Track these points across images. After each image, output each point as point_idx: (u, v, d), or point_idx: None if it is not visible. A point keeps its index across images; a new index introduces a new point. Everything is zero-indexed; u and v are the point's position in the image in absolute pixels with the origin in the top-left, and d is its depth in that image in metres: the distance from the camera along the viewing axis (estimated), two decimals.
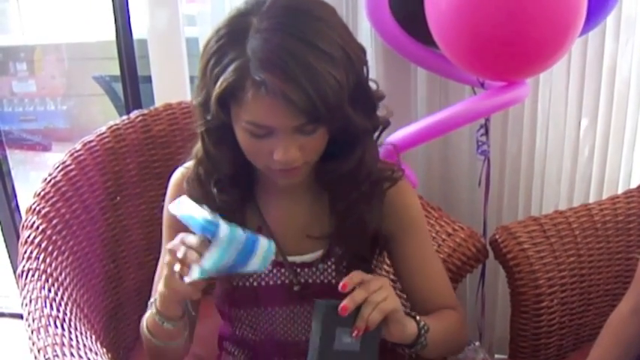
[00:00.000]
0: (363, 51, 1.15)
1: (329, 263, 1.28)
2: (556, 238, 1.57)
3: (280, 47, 1.04)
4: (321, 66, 1.04)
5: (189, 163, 1.29)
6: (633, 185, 1.81)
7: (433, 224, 1.59)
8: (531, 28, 1.43)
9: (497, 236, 1.57)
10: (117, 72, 2.38)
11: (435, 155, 2.04)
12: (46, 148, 4.27)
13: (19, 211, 2.58)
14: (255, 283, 1.29)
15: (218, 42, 1.08)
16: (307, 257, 1.29)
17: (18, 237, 2.54)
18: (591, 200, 1.98)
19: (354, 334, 1.09)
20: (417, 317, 1.20)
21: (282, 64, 1.03)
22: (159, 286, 1.16)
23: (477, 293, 1.98)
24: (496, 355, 2.17)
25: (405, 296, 1.36)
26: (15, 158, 3.30)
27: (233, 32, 1.08)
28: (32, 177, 3.86)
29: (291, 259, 1.29)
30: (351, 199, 1.24)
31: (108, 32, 3.56)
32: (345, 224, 1.26)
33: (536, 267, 1.53)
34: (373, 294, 1.09)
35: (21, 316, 2.66)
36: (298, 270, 1.29)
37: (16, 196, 2.56)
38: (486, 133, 1.82)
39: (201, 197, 1.23)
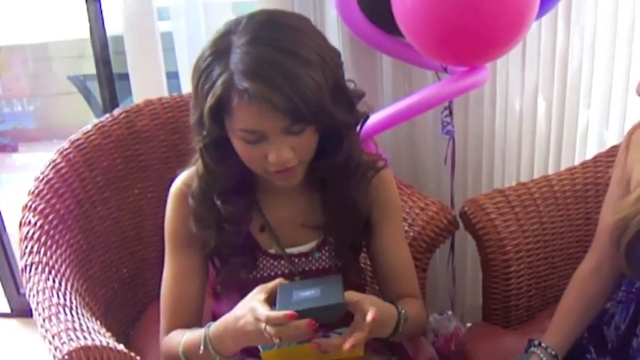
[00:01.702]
0: (337, 54, 1.24)
1: (324, 251, 1.38)
2: (520, 208, 1.68)
3: (259, 57, 1.12)
4: (298, 69, 1.12)
5: (186, 174, 1.36)
6: (588, 157, 1.90)
7: (406, 200, 1.68)
8: (490, 15, 1.52)
9: (466, 208, 1.67)
10: (87, 71, 2.42)
11: (402, 138, 2.12)
12: (14, 149, 4.26)
13: (1, 216, 2.62)
14: (258, 275, 1.37)
15: (205, 61, 1.17)
16: (304, 247, 1.38)
17: (2, 243, 2.59)
18: (550, 172, 2.07)
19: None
20: (401, 309, 1.30)
21: (262, 71, 1.11)
22: (235, 335, 1.21)
23: (447, 264, 2.09)
24: (468, 324, 2.27)
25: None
26: None
27: (217, 51, 1.17)
28: (3, 179, 3.86)
29: (289, 250, 1.37)
30: (343, 190, 1.32)
31: (74, 31, 3.58)
32: (337, 215, 1.35)
33: (503, 235, 1.64)
34: None
35: (5, 315, 2.73)
36: (296, 260, 1.38)
37: None
38: (450, 114, 1.92)
39: (206, 210, 1.31)
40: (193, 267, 1.38)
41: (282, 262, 1.37)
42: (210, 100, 1.15)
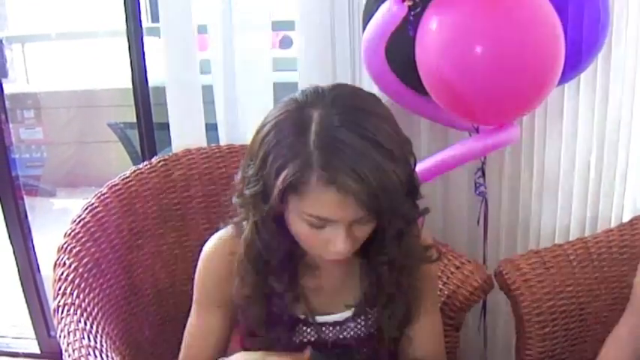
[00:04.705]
0: (410, 144, 1.17)
1: (359, 320, 1.36)
2: (555, 269, 1.66)
3: (347, 145, 1.04)
4: (387, 164, 1.05)
5: (227, 237, 1.30)
6: (625, 219, 1.90)
7: (441, 259, 1.67)
8: (513, 78, 1.52)
9: (501, 268, 1.66)
10: (127, 119, 2.44)
11: (437, 196, 2.13)
12: (52, 194, 4.34)
13: (37, 258, 2.64)
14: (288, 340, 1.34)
15: (277, 135, 1.08)
16: (338, 316, 1.35)
17: (36, 285, 2.63)
18: (586, 234, 2.06)
19: None
20: None
21: (352, 163, 1.03)
22: None
23: (479, 325, 2.07)
24: None
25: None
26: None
27: (293, 126, 1.08)
28: (39, 222, 3.91)
29: (323, 318, 1.34)
30: (391, 281, 1.28)
31: (115, 80, 3.65)
32: (375, 292, 1.31)
33: (538, 296, 1.62)
34: None
35: (35, 356, 2.74)
36: (330, 328, 1.35)
37: (32, 242, 2.62)
38: (483, 175, 1.93)
39: (252, 281, 1.25)
40: (218, 326, 1.35)
41: (314, 330, 1.35)
42: (284, 181, 1.06)
